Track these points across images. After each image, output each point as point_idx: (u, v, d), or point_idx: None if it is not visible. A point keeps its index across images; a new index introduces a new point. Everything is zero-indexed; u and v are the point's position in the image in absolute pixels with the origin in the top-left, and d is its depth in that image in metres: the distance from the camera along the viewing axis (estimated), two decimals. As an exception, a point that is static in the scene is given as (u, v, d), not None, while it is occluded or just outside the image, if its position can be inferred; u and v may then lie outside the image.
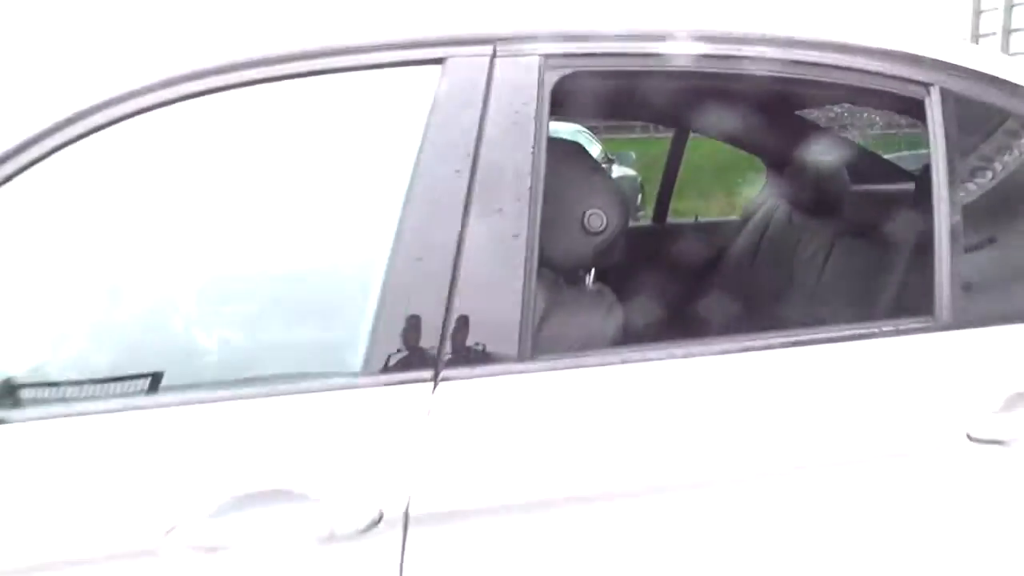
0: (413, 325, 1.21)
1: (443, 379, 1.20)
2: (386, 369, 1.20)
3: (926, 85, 1.42)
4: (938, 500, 1.31)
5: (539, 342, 1.27)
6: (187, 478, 1.13)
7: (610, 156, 6.93)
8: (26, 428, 1.14)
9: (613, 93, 1.80)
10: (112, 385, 1.37)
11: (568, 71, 1.33)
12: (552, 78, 1.31)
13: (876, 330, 1.36)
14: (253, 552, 1.13)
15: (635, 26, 1.38)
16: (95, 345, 1.25)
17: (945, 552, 1.31)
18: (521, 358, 1.23)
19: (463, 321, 1.22)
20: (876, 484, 1.29)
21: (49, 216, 1.27)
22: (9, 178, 1.17)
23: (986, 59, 1.48)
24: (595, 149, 6.37)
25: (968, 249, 1.38)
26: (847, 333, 1.35)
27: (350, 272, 1.30)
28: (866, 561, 1.29)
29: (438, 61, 1.29)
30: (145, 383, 1.18)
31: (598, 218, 1.51)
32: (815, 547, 1.28)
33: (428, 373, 1.20)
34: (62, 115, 1.18)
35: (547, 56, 1.31)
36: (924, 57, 1.43)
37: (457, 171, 1.25)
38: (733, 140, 2.48)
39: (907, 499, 1.30)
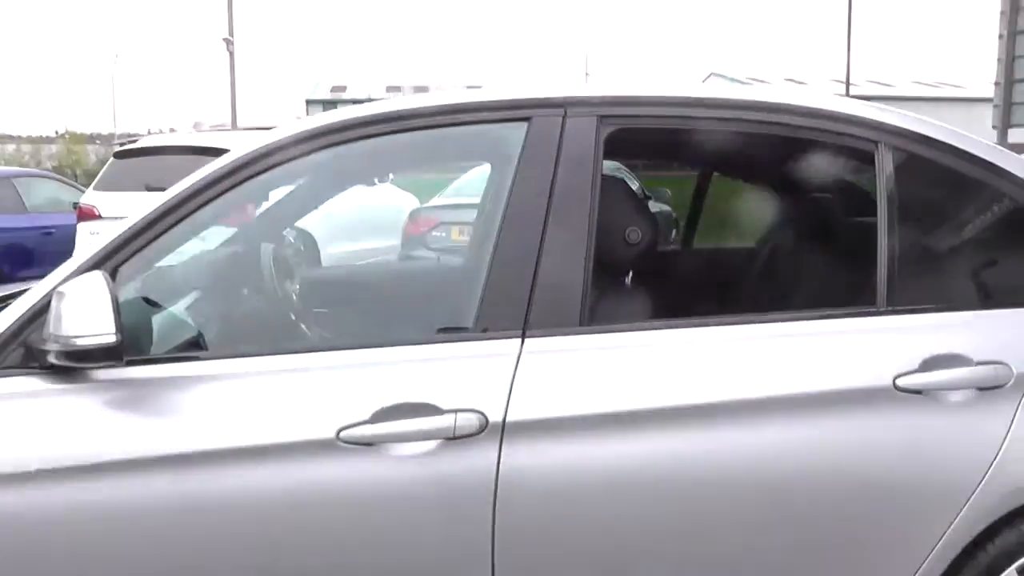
0: (509, 300, 1.79)
1: (528, 336, 1.78)
2: (492, 328, 1.79)
3: (875, 142, 2.00)
4: (871, 430, 1.85)
5: (591, 314, 1.84)
6: (356, 395, 1.72)
7: (647, 193, 7.48)
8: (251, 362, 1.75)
9: (648, 142, 2.38)
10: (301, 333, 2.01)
11: (615, 127, 1.92)
12: (604, 131, 1.91)
13: (831, 312, 1.94)
14: (398, 447, 1.70)
15: (658, 95, 2.07)
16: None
17: (871, 464, 1.84)
18: (580, 324, 1.82)
19: (542, 298, 1.80)
20: (831, 416, 1.84)
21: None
22: (252, 177, 1.80)
23: (916, 122, 2.04)
24: (634, 186, 6.94)
25: (900, 257, 1.95)
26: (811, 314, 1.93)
27: (470, 264, 1.90)
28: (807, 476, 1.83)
29: (526, 119, 1.89)
30: (338, 332, 1.76)
31: (635, 233, 2.09)
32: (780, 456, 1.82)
33: (518, 331, 1.79)
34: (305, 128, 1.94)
35: (601, 116, 1.91)
36: (872, 120, 2.00)
37: (539, 195, 1.85)
38: (732, 175, 3.07)
39: (852, 425, 1.85)
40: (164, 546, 1.74)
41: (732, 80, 54.01)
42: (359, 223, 6.35)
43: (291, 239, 2.74)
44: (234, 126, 25.04)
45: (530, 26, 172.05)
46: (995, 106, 18.45)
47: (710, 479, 1.84)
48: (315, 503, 1.75)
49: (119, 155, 8.02)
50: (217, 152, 7.28)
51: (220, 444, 1.73)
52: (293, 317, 2.28)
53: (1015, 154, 2.11)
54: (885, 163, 2.02)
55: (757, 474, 1.86)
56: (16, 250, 8.08)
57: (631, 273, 2.20)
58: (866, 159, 2.04)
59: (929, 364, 1.90)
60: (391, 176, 3.19)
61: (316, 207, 2.46)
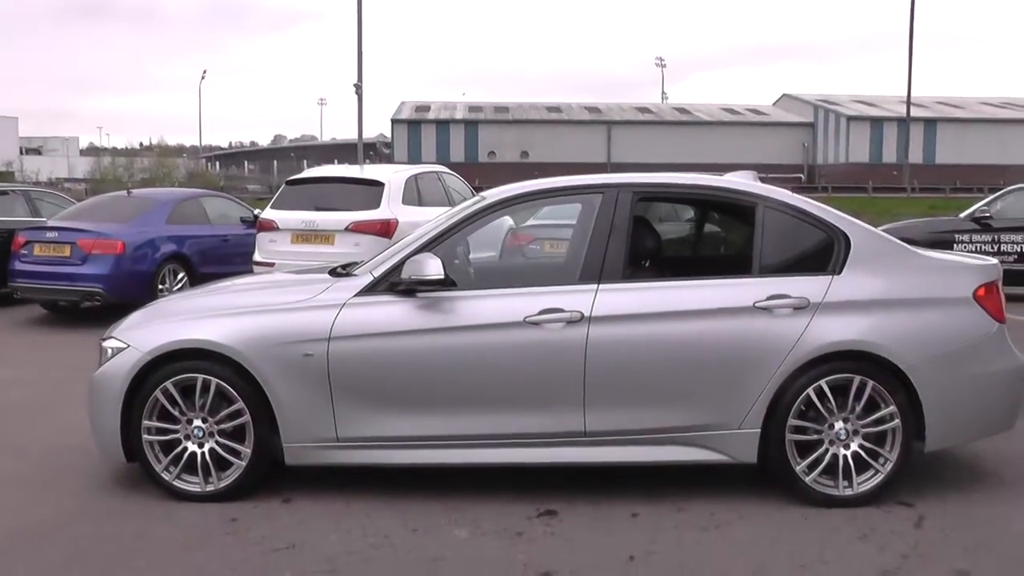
0: (592, 268, 4.36)
1: (600, 283, 4.35)
2: (585, 280, 4.35)
3: (756, 203, 4.53)
4: (744, 323, 4.34)
5: (627, 275, 4.41)
6: (532, 304, 4.29)
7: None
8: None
9: (656, 201, 4.88)
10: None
11: (640, 196, 4.50)
12: (635, 198, 4.48)
13: (736, 275, 4.46)
14: (548, 325, 4.27)
15: (662, 181, 4.60)
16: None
17: (743, 338, 4.29)
18: (622, 280, 4.38)
19: (606, 269, 4.36)
20: (728, 317, 4.34)
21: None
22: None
23: (782, 194, 4.56)
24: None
25: (762, 253, 4.46)
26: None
27: (573, 253, 4.48)
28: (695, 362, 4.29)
29: (601, 191, 4.49)
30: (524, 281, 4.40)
31: (649, 241, 4.66)
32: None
33: (595, 281, 4.35)
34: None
35: (634, 191, 4.49)
36: (754, 192, 4.54)
37: (609, 224, 4.41)
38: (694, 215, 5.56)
39: (736, 321, 4.34)
40: (447, 367, 4.29)
41: (803, 100, 56.16)
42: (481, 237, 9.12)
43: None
44: (361, 160, 28.02)
45: (603, 46, 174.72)
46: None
47: (669, 340, 4.31)
48: (510, 347, 4.27)
49: (290, 183, 10.72)
50: (359, 182, 10.03)
51: (476, 322, 4.30)
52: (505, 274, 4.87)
53: (812, 202, 4.61)
54: (760, 211, 4.54)
55: (691, 337, 4.27)
56: (204, 252, 10.70)
57: (647, 257, 4.73)
58: (750, 210, 4.58)
59: (771, 297, 4.35)
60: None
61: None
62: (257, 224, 10.42)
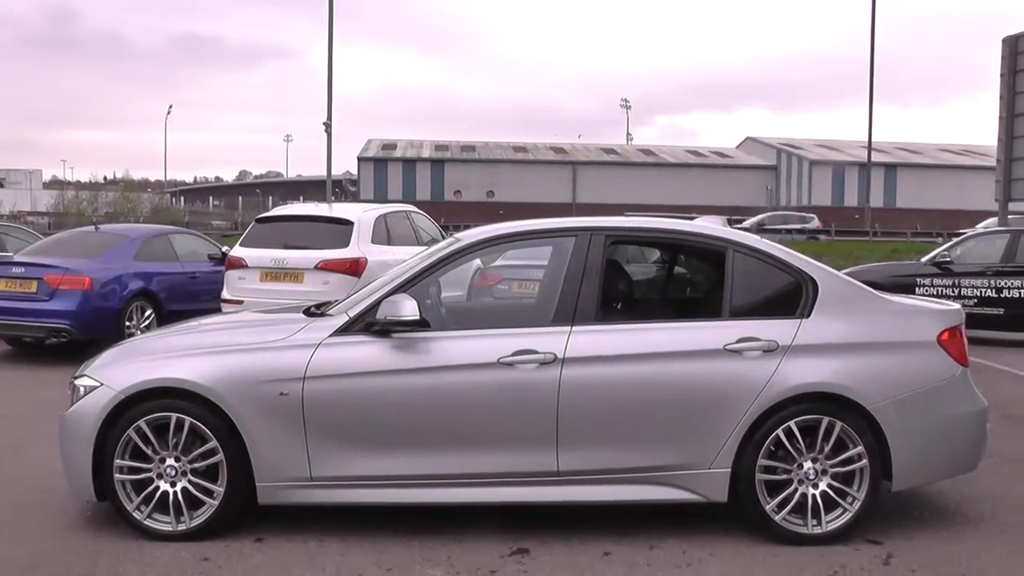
0: (567, 309, 4.44)
1: (574, 325, 4.42)
2: (559, 322, 4.42)
3: (726, 248, 4.65)
4: (713, 365, 4.43)
5: (599, 316, 4.49)
6: (505, 345, 4.35)
7: None
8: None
9: (626, 244, 4.99)
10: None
11: (613, 239, 4.60)
12: (608, 241, 4.57)
13: (705, 319, 4.56)
14: (521, 366, 4.33)
15: (634, 225, 4.70)
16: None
17: (713, 380, 4.38)
18: (595, 321, 4.46)
19: (580, 309, 4.43)
20: (698, 359, 4.43)
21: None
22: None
23: (751, 240, 4.69)
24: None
25: (733, 296, 4.58)
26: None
27: (547, 294, 4.55)
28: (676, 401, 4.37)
29: (575, 235, 4.58)
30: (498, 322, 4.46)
31: (621, 283, 4.74)
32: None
33: (569, 323, 4.42)
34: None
35: (607, 235, 4.58)
36: (724, 237, 4.66)
37: (581, 265, 4.49)
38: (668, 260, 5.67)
39: (706, 363, 4.42)
40: (422, 408, 4.29)
41: (766, 144, 57.34)
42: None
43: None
44: (329, 198, 28.28)
45: (568, 86, 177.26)
46: (997, 181, 20.78)
47: (641, 382, 4.38)
48: (484, 388, 4.30)
49: (260, 220, 10.71)
50: (328, 220, 10.07)
51: (450, 363, 4.33)
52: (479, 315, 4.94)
53: (781, 247, 4.76)
54: (730, 256, 4.66)
55: (663, 378, 4.35)
56: (172, 289, 10.58)
57: (619, 300, 4.82)
58: (720, 255, 4.70)
59: (741, 340, 4.45)
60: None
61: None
62: (226, 262, 10.41)
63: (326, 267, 9.76)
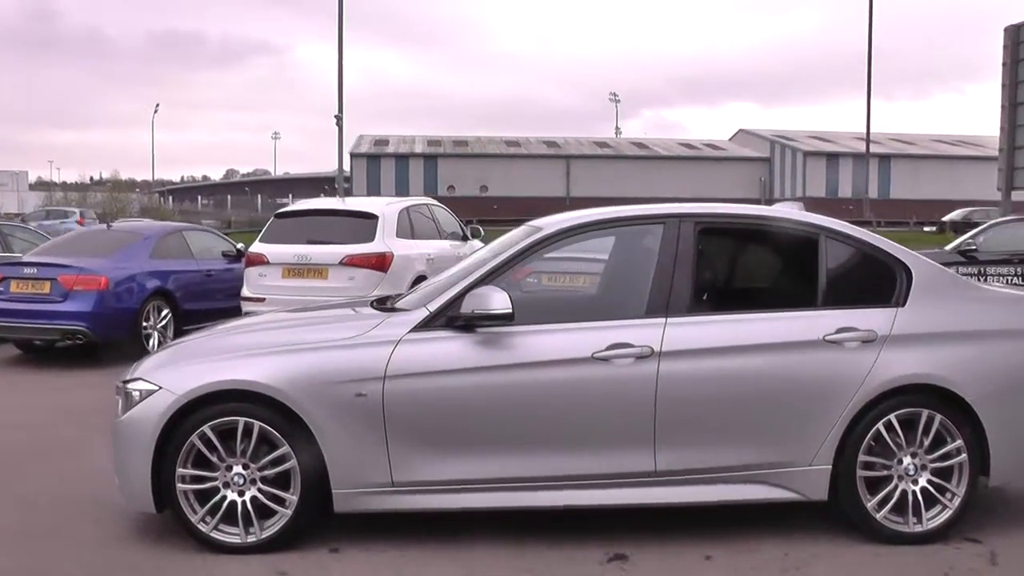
0: (660, 300, 4.16)
1: (669, 316, 4.15)
2: (653, 313, 4.15)
3: (818, 234, 4.39)
4: (814, 357, 4.18)
5: (694, 307, 4.22)
6: (600, 339, 4.08)
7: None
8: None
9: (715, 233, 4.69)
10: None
11: (701, 226, 4.32)
12: (697, 228, 4.30)
13: (801, 308, 4.30)
14: (617, 360, 4.05)
15: (714, 210, 4.43)
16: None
17: (813, 372, 4.13)
18: (688, 312, 4.19)
19: (673, 300, 4.16)
20: (798, 350, 4.17)
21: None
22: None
23: (842, 225, 4.43)
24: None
25: (827, 284, 4.33)
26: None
27: (638, 284, 4.28)
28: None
29: (662, 221, 4.31)
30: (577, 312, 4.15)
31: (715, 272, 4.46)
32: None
33: (663, 314, 4.14)
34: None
35: (696, 221, 4.31)
36: (815, 223, 4.40)
37: (673, 252, 4.22)
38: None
39: (807, 355, 4.17)
40: (511, 407, 3.99)
41: (759, 136, 57.33)
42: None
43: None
44: (341, 194, 28.24)
45: (557, 80, 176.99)
46: (999, 170, 20.80)
47: (741, 375, 4.14)
48: (577, 385, 4.04)
49: (279, 216, 10.39)
50: (352, 215, 9.77)
51: (541, 358, 4.07)
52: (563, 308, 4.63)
53: (871, 233, 4.51)
54: (822, 242, 4.41)
55: (763, 371, 4.11)
56: (188, 288, 10.21)
57: (710, 289, 4.54)
58: (812, 241, 4.44)
59: (840, 330, 4.22)
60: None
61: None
62: (245, 258, 10.09)
63: (351, 262, 9.47)
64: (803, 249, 4.45)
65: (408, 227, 10.44)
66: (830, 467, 4.18)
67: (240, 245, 11.67)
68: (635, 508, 4.17)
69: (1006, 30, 20.46)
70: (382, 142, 56.78)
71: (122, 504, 4.30)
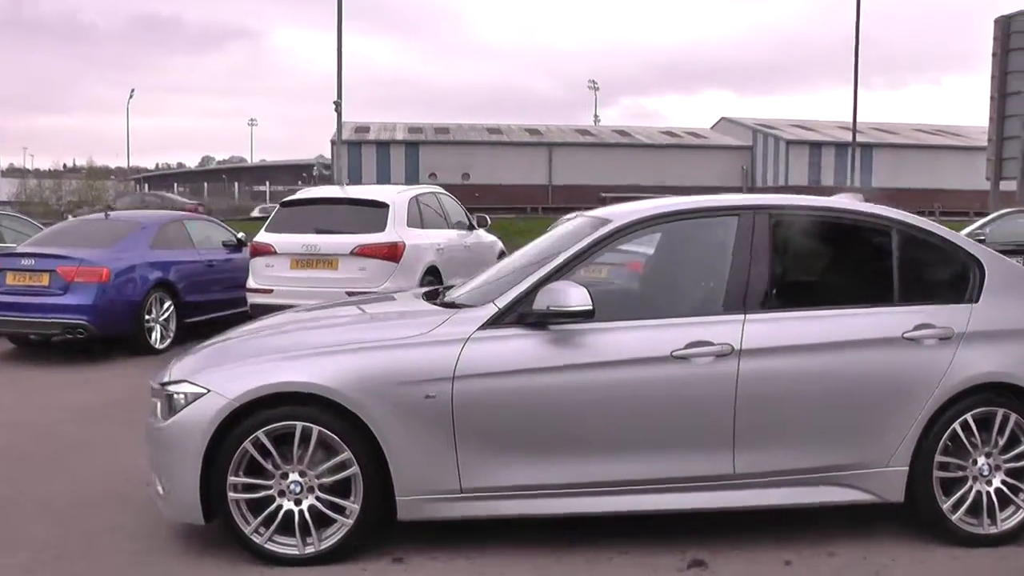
0: (737, 297, 3.98)
1: (747, 313, 3.96)
2: (730, 310, 3.96)
3: (891, 227, 4.22)
4: (893, 354, 4.02)
5: (771, 303, 4.03)
6: (679, 336, 3.88)
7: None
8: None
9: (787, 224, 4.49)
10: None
11: (776, 218, 4.13)
12: (772, 221, 4.11)
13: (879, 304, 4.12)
14: (695, 359, 3.86)
15: (788, 202, 4.26)
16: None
17: (894, 369, 3.97)
18: (764, 308, 4.00)
19: (749, 297, 3.98)
20: (877, 347, 4.00)
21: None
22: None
23: (915, 219, 4.25)
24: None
25: (902, 280, 4.16)
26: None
27: (716, 281, 4.08)
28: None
29: (737, 213, 4.11)
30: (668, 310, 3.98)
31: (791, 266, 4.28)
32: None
33: (742, 311, 3.96)
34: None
35: (770, 213, 4.12)
36: (890, 218, 4.23)
37: (753, 252, 4.03)
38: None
39: (886, 352, 4.01)
40: (586, 408, 3.77)
41: (742, 124, 57.20)
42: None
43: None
44: (341, 181, 28.15)
45: (536, 67, 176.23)
46: (988, 159, 20.87)
47: (821, 374, 3.97)
48: (655, 384, 3.84)
49: (285, 204, 10.09)
50: (361, 203, 9.48)
51: (617, 357, 3.88)
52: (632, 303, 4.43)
53: (942, 227, 4.35)
54: (895, 236, 4.24)
55: (843, 370, 3.94)
56: (190, 279, 9.85)
57: (786, 284, 4.32)
58: (886, 235, 4.27)
59: (917, 328, 4.06)
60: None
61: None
62: (250, 248, 9.79)
63: (363, 252, 9.20)
64: (876, 243, 4.29)
65: (418, 216, 10.19)
66: (907, 468, 4.03)
67: (241, 234, 11.37)
68: (714, 512, 4.00)
69: (996, 21, 20.44)
70: (363, 129, 56.03)
71: (154, 513, 4.09)
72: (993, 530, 4.09)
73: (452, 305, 4.15)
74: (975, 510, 4.08)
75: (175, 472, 3.85)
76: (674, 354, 3.86)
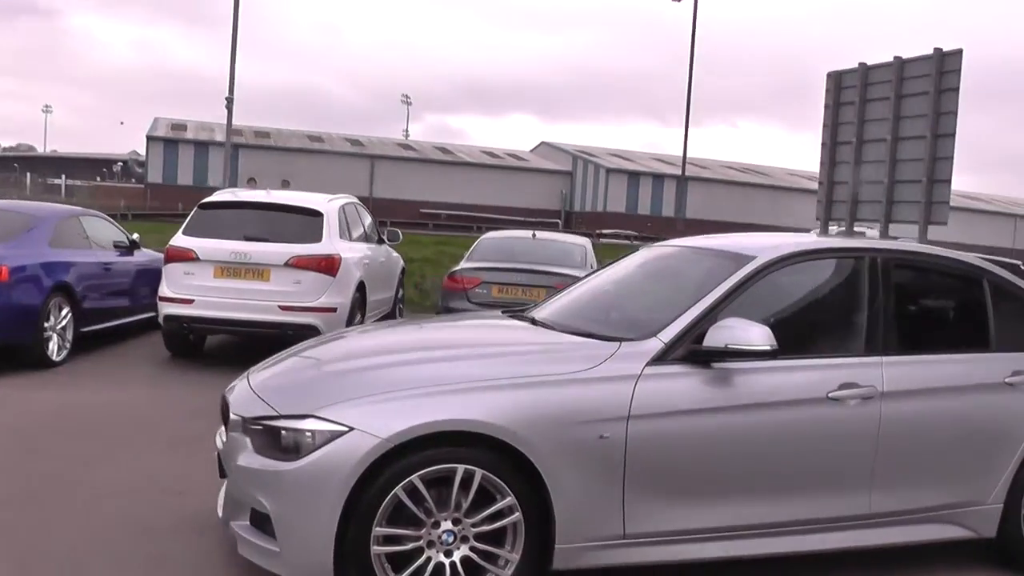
0: (875, 337, 4.04)
1: (885, 355, 4.02)
2: (873, 351, 4.02)
3: (982, 276, 4.42)
4: (995, 399, 4.20)
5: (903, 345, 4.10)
6: (833, 378, 3.86)
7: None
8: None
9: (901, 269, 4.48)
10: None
11: (894, 263, 4.22)
12: (891, 265, 4.20)
13: (978, 351, 4.30)
14: (847, 401, 3.85)
15: (902, 248, 4.35)
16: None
17: (993, 414, 4.17)
18: (896, 351, 4.07)
19: (887, 334, 4.05)
20: (981, 392, 4.17)
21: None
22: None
23: (998, 269, 4.49)
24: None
25: (997, 328, 4.37)
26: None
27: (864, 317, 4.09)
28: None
29: (863, 256, 4.16)
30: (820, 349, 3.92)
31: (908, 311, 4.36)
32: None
33: (880, 352, 4.02)
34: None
35: (887, 258, 4.21)
36: (980, 267, 4.43)
37: (881, 295, 4.09)
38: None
39: (989, 397, 4.19)
40: (749, 449, 3.66)
41: (561, 149, 58.81)
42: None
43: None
44: (231, 183, 26.50)
45: (350, 78, 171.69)
46: (819, 201, 22.58)
47: (944, 415, 4.07)
48: (812, 425, 3.77)
49: (204, 206, 9.18)
50: (294, 210, 8.80)
51: (780, 398, 3.75)
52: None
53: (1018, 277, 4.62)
54: (986, 285, 4.45)
55: (959, 412, 4.09)
56: (89, 282, 8.67)
57: (906, 329, 4.25)
58: (979, 283, 4.47)
59: (1016, 373, 4.29)
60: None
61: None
62: (166, 252, 8.83)
63: (298, 264, 8.57)
64: (972, 292, 4.49)
65: (346, 227, 9.64)
66: (1002, 505, 4.23)
67: (135, 235, 10.26)
68: (853, 551, 4.00)
69: (829, 76, 22.29)
70: (180, 127, 52.61)
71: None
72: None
73: (612, 339, 3.84)
74: None
75: (304, 523, 3.33)
76: (829, 395, 3.83)
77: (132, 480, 4.94)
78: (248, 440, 3.56)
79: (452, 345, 4.13)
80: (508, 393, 3.47)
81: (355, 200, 10.75)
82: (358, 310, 9.27)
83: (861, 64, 15.25)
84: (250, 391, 3.80)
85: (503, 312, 5.11)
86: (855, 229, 8.76)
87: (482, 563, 3.44)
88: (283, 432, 3.42)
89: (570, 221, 51.69)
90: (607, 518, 3.53)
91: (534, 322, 4.43)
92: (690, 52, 32.42)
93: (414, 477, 3.33)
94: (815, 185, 19.84)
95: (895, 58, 14.58)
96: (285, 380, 3.83)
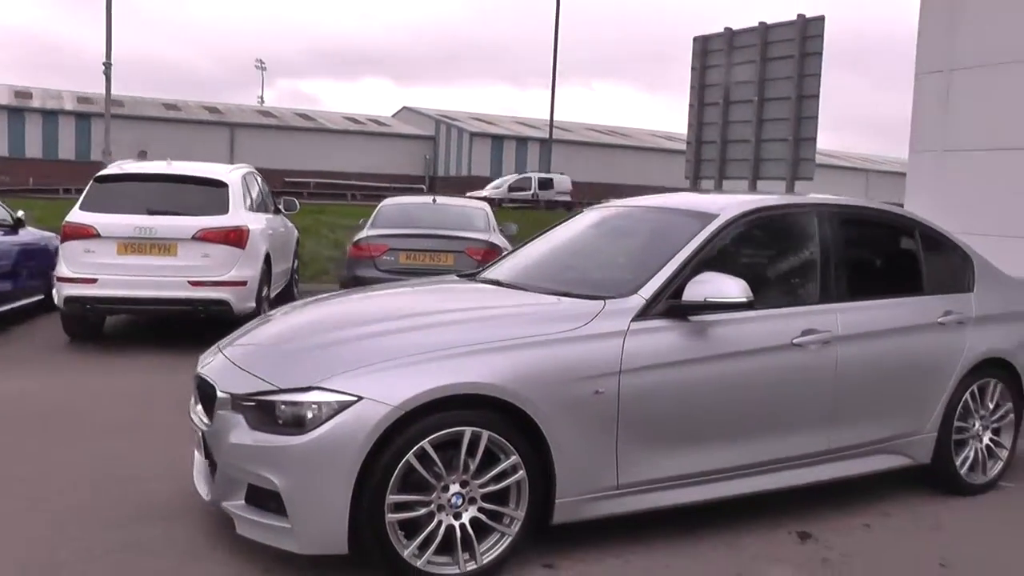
0: (835, 286, 4.36)
1: (839, 301, 4.34)
2: (829, 299, 4.32)
3: (915, 227, 4.83)
4: (928, 337, 4.63)
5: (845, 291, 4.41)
6: (796, 325, 4.13)
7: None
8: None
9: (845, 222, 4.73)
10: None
11: (839, 218, 4.54)
12: (837, 220, 4.52)
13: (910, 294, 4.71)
14: (808, 346, 4.14)
15: (844, 203, 4.68)
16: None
17: (927, 351, 4.61)
18: (845, 298, 4.38)
19: (835, 284, 4.36)
20: (914, 333, 4.58)
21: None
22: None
23: (928, 220, 4.89)
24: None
25: (928, 273, 4.82)
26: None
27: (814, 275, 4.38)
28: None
29: (814, 211, 4.50)
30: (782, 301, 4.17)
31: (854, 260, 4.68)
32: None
33: (835, 300, 4.34)
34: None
35: (833, 212, 4.54)
36: (913, 218, 4.82)
37: (832, 247, 4.39)
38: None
39: (922, 336, 4.60)
40: (727, 396, 3.88)
41: (424, 114, 58.33)
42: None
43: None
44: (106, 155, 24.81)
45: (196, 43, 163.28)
46: (687, 161, 23.46)
47: (891, 355, 4.43)
48: (779, 370, 4.03)
49: (100, 180, 8.68)
50: (197, 181, 8.49)
51: (751, 346, 3.97)
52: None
53: (942, 227, 5.06)
54: (917, 235, 4.85)
55: (904, 351, 4.48)
56: None
57: (852, 277, 4.53)
58: (911, 234, 4.86)
59: (946, 313, 4.73)
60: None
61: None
62: (62, 230, 8.32)
63: (206, 237, 8.29)
64: (907, 240, 4.90)
65: (249, 197, 9.35)
66: (936, 434, 4.68)
67: (20, 213, 9.60)
68: (815, 486, 4.33)
69: (695, 40, 23.10)
70: (24, 95, 48.84)
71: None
72: (983, 480, 4.92)
73: (591, 297, 3.94)
74: (974, 465, 4.87)
75: (318, 496, 3.31)
76: (794, 342, 4.10)
77: (82, 472, 4.72)
78: (241, 417, 3.49)
79: (437, 311, 4.15)
80: (509, 354, 3.55)
81: (253, 169, 10.42)
82: (265, 283, 9.05)
83: (727, 29, 15.83)
84: (235, 367, 3.72)
85: (457, 276, 5.17)
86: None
87: (489, 522, 3.52)
88: (281, 406, 3.38)
89: (434, 186, 51.46)
90: (602, 471, 3.68)
91: (500, 284, 4.49)
92: (555, 12, 32.83)
93: (425, 442, 3.37)
94: (677, 146, 20.65)
95: (760, 23, 15.20)
96: (276, 353, 3.76)
